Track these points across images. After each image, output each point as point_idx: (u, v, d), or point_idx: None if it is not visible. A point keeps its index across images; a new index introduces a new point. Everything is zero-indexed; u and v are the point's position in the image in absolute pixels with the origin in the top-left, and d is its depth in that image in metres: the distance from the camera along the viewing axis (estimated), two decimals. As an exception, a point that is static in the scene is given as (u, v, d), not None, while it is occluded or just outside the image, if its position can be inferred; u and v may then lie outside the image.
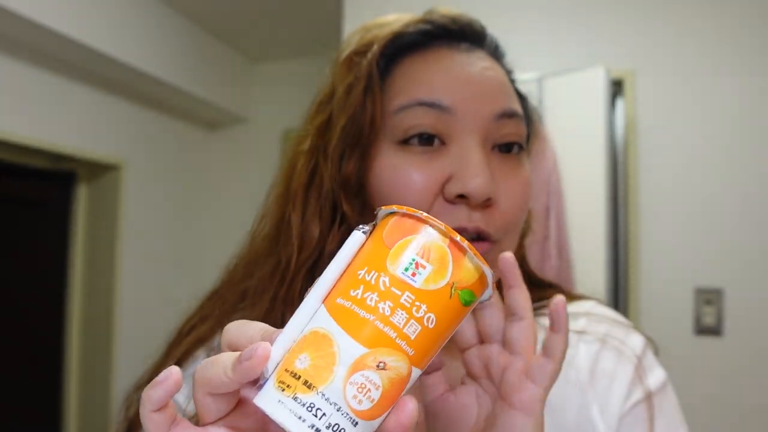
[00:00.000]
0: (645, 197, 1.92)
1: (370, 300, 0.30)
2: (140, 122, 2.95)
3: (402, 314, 0.29)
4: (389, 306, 0.29)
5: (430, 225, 0.31)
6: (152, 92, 2.91)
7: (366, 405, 0.28)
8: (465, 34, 0.53)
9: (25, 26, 2.11)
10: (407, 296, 0.30)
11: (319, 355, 0.29)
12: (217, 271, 0.59)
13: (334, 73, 0.54)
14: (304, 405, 0.28)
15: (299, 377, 0.28)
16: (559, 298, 0.39)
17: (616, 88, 1.93)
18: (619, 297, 1.89)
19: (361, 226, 0.34)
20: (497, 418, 0.38)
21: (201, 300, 0.57)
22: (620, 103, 1.96)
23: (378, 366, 0.29)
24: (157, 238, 3.03)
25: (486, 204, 0.47)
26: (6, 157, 2.41)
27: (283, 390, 0.28)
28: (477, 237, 0.47)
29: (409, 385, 0.30)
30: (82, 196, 2.81)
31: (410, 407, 0.29)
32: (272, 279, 0.51)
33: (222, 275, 0.57)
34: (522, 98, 0.56)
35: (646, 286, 1.90)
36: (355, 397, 0.28)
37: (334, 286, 0.32)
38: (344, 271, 0.32)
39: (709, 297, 1.83)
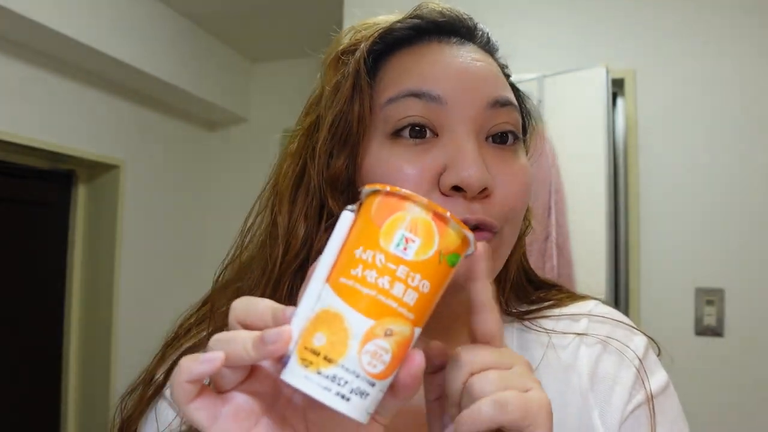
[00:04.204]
0: (645, 197, 1.92)
1: (370, 277, 0.33)
2: (140, 122, 2.95)
3: (400, 286, 0.33)
4: (388, 280, 0.33)
5: (414, 201, 0.35)
6: (152, 92, 2.91)
7: (380, 368, 0.33)
8: (455, 28, 0.52)
9: (25, 26, 2.11)
10: (402, 269, 0.34)
11: (333, 331, 0.33)
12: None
13: (323, 74, 0.53)
14: (327, 377, 0.32)
15: (319, 354, 0.33)
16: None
17: (617, 87, 1.92)
18: (619, 297, 1.89)
19: (348, 206, 0.37)
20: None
21: (196, 303, 0.57)
22: (621, 103, 1.95)
23: (386, 334, 0.33)
24: (156, 238, 3.03)
25: (483, 195, 0.46)
26: (6, 157, 2.41)
27: (307, 366, 0.33)
28: (477, 227, 0.46)
29: (413, 342, 0.35)
30: (81, 196, 2.81)
31: (418, 360, 0.34)
32: (261, 280, 0.51)
33: (214, 280, 0.57)
34: (517, 91, 0.55)
35: (647, 287, 1.89)
36: (370, 363, 0.33)
37: (334, 266, 0.35)
38: (341, 251, 0.36)
39: (709, 297, 1.83)
